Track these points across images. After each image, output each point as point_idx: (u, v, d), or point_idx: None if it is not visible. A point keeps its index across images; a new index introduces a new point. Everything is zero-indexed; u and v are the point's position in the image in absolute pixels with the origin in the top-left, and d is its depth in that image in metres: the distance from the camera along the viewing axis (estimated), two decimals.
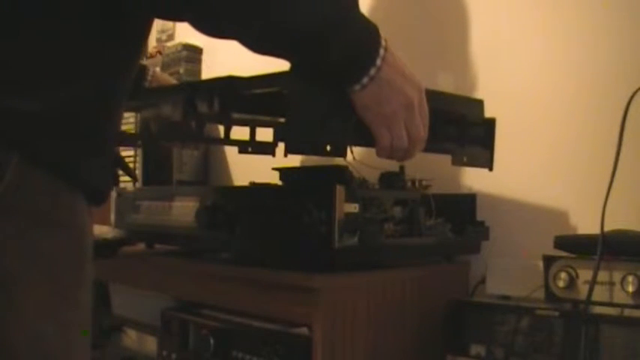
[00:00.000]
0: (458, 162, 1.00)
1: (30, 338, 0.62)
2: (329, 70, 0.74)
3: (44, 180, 0.63)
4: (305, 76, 0.77)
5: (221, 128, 0.98)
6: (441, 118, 0.90)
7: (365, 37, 0.74)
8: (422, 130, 0.82)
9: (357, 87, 0.75)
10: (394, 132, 0.80)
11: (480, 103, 1.04)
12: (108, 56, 0.68)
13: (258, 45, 0.71)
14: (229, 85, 0.90)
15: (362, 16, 0.74)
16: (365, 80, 0.75)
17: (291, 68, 0.77)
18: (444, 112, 0.92)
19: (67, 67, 0.64)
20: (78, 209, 0.67)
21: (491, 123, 1.04)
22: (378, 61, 0.75)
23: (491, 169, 1.05)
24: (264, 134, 0.97)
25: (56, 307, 0.65)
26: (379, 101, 0.77)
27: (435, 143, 0.90)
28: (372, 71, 0.75)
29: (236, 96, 0.91)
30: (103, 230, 1.30)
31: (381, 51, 0.75)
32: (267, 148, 0.94)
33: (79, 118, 0.66)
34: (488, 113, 1.05)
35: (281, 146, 0.86)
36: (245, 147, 0.99)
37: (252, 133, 1.01)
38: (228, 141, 0.98)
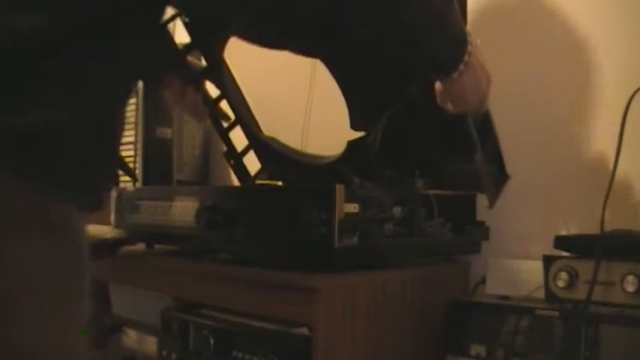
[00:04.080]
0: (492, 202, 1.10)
1: (32, 355, 0.61)
2: (437, 59, 0.86)
3: (36, 194, 0.62)
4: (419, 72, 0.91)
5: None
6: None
7: (462, 27, 0.86)
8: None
9: (455, 74, 0.86)
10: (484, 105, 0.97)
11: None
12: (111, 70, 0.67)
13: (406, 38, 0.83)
14: None
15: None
16: (461, 67, 0.86)
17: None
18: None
19: (67, 85, 0.63)
20: (72, 219, 0.66)
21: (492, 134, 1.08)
22: (469, 48, 0.86)
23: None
24: None
25: (58, 320, 0.64)
26: (474, 85, 0.89)
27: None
28: (466, 57, 0.85)
29: None
30: (103, 230, 1.29)
31: (470, 39, 0.86)
32: None
33: (73, 135, 0.64)
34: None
35: None
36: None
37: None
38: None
